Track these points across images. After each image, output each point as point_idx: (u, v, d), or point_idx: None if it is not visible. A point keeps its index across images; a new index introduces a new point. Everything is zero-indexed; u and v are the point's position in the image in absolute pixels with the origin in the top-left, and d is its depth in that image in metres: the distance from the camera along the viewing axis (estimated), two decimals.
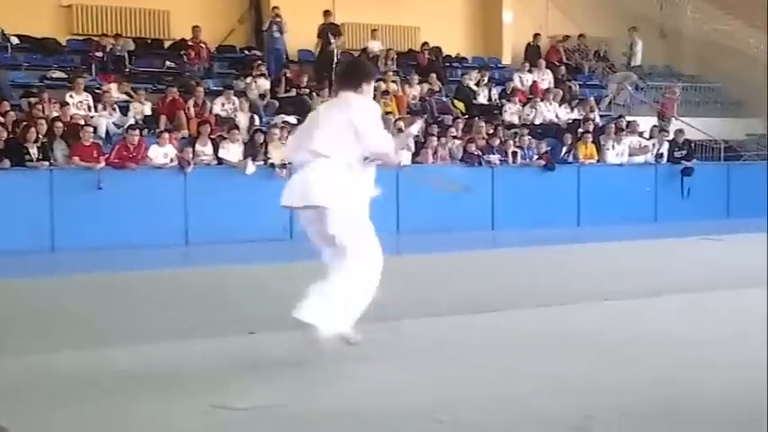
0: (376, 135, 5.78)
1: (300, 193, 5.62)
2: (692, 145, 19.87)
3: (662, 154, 19.25)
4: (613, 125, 19.33)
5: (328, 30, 19.53)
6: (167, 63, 18.92)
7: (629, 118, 20.46)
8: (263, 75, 18.34)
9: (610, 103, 21.94)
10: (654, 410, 4.60)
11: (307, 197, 5.59)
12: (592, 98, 21.11)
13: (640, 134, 19.75)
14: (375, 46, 20.89)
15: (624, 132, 19.23)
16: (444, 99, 19.80)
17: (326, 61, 18.95)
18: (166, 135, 15.20)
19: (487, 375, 5.32)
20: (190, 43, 18.83)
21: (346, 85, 5.96)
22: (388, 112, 17.93)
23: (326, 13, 19.84)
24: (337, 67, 7.19)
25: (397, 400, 4.80)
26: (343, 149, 5.66)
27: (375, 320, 7.10)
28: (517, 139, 18.10)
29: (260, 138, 15.69)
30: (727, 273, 10.14)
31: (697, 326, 6.89)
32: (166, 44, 19.65)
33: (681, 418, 4.50)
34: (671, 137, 19.57)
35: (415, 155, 16.98)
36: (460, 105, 19.77)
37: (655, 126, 20.19)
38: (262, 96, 18.04)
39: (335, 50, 19.26)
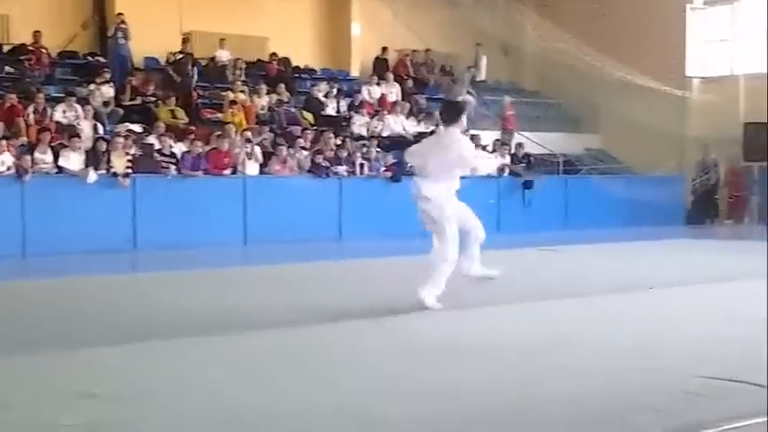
0: (475, 160, 9.20)
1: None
2: (533, 158, 20.56)
3: (504, 167, 19.82)
4: None
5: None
6: (6, 68, 18.26)
7: (472, 132, 20.96)
8: (107, 82, 17.94)
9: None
10: (496, 414, 4.75)
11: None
12: (437, 111, 21.51)
13: (483, 147, 20.27)
14: (223, 55, 20.75)
15: None
16: (293, 110, 19.83)
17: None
18: (4, 142, 14.64)
19: (324, 386, 5.37)
20: (30, 48, 18.24)
21: (449, 122, 8.57)
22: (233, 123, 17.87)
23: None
24: (443, 105, 9.49)
25: (232, 411, 4.80)
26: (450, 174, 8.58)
27: (218, 332, 7.05)
28: (365, 151, 18.30)
29: (102, 146, 15.34)
30: (560, 282, 10.51)
31: (533, 332, 7.13)
32: (5, 49, 18.97)
33: (520, 421, 4.66)
34: (512, 150, 20.18)
35: (263, 165, 16.96)
36: (309, 117, 19.85)
37: (497, 140, 20.78)
38: (105, 104, 17.64)
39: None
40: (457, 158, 8.55)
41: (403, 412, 4.73)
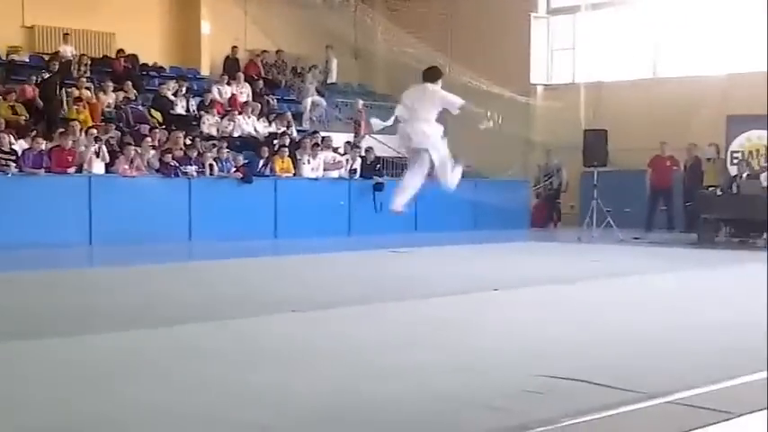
0: (456, 99, 11.05)
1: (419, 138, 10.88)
2: (383, 161, 20.77)
3: (355, 169, 19.97)
4: (309, 140, 19.82)
5: None
6: None
7: (324, 133, 21.07)
8: None
9: (310, 119, 22.46)
10: (330, 416, 4.78)
11: (422, 142, 10.95)
12: (289, 113, 21.52)
13: (335, 149, 20.38)
14: (67, 50, 20.14)
15: (320, 147, 19.77)
16: (140, 108, 19.42)
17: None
18: None
19: (163, 390, 5.28)
20: None
21: (430, 79, 11.08)
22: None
23: None
24: (427, 69, 11.58)
25: (65, 416, 4.67)
26: (433, 113, 10.90)
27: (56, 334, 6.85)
28: (215, 151, 18.10)
29: None
30: (407, 284, 10.68)
31: (377, 333, 7.22)
32: None
33: (353, 423, 4.71)
34: (363, 153, 20.35)
35: (109, 165, 16.55)
36: (157, 115, 19.48)
37: (348, 142, 20.92)
38: None
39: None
40: (445, 102, 10.99)
41: (236, 416, 4.71)
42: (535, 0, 24.71)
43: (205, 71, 23.23)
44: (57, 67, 18.74)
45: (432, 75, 11.21)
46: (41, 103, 17.96)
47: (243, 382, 5.47)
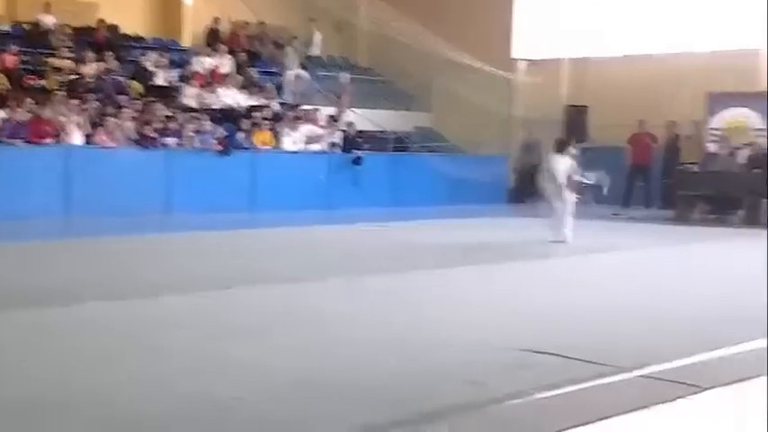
0: None
1: None
2: (364, 135, 20.76)
3: (336, 143, 19.95)
4: (291, 113, 19.76)
5: None
6: None
7: (305, 107, 21.01)
8: None
9: (292, 92, 22.38)
10: (306, 387, 4.83)
11: None
12: (271, 85, 21.43)
13: (316, 123, 20.33)
14: (48, 20, 19.94)
15: (301, 120, 19.72)
16: (121, 79, 19.29)
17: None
18: None
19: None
20: None
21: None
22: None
23: None
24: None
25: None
26: None
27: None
28: (195, 123, 18.03)
29: None
30: (382, 257, 10.73)
31: (351, 307, 7.26)
32: None
33: (340, 396, 4.76)
34: (344, 127, 20.33)
35: (89, 136, 16.47)
36: (138, 86, 19.34)
37: (330, 116, 20.88)
38: None
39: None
40: None
41: (207, 388, 4.75)
42: None
43: (186, 42, 23.06)
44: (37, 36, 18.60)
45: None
46: (23, 73, 17.82)
47: (224, 353, 5.52)
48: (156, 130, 17.15)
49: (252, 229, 14.16)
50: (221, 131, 18.31)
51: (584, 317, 6.97)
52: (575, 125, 19.14)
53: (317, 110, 20.94)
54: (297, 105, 21.07)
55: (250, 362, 5.32)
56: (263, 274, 8.89)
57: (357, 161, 19.42)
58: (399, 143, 22.50)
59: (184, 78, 20.32)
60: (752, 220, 16.49)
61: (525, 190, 22.52)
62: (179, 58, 21.51)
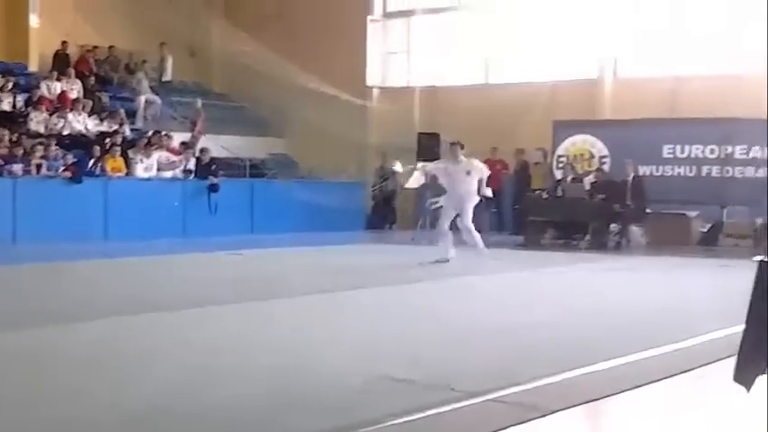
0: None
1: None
2: (219, 162, 20.57)
3: (190, 170, 19.69)
4: (143, 139, 19.42)
5: None
6: None
7: (158, 133, 20.67)
8: None
9: (144, 117, 22.01)
10: (162, 419, 4.76)
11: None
12: (122, 110, 21.01)
13: (169, 149, 20.04)
14: None
15: (154, 147, 19.39)
16: None
17: None
18: None
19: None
20: None
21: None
22: None
23: None
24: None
25: None
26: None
27: None
28: (43, 150, 17.48)
29: None
30: (241, 286, 10.65)
31: (208, 336, 7.19)
32: None
33: (190, 425, 4.71)
34: (198, 153, 20.10)
35: None
36: None
37: (183, 142, 20.62)
38: None
39: None
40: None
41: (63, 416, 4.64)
42: (371, 3, 25.01)
43: (33, 66, 22.36)
44: None
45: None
46: None
47: (74, 387, 5.38)
48: (1, 157, 16.55)
49: (103, 259, 13.80)
50: (71, 158, 17.81)
51: (435, 342, 7.09)
52: (427, 152, 19.49)
53: (170, 136, 20.64)
54: (149, 131, 20.71)
55: (98, 393, 5.20)
56: (108, 306, 8.69)
57: (213, 188, 19.20)
58: (255, 169, 22.40)
59: (31, 103, 19.71)
60: (597, 245, 17.15)
61: (382, 216, 22.82)
62: (26, 83, 20.88)
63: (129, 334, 7.30)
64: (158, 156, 19.29)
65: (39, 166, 17.16)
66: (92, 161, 18.08)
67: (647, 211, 17.67)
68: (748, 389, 3.80)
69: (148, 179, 18.76)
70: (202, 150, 20.22)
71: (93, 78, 21.95)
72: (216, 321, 7.99)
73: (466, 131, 21.37)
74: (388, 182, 22.67)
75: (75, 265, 12.79)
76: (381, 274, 12.33)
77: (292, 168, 23.78)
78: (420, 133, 20.66)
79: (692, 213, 18.19)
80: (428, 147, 19.58)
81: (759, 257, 3.82)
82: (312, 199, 20.20)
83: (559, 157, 19.85)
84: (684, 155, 18.46)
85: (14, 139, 17.46)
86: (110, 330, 7.45)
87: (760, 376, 3.78)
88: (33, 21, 22.47)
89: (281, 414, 4.89)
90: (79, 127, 19.64)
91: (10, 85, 19.69)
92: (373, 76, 25.02)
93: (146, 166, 18.88)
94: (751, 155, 17.82)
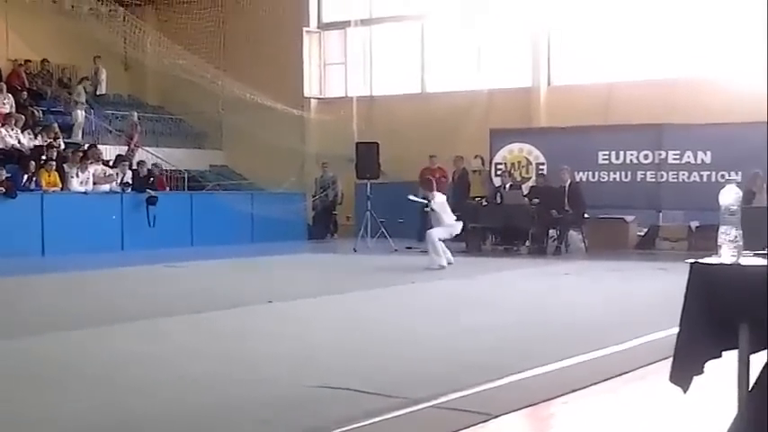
0: None
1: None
2: (157, 174, 20.38)
3: (128, 183, 19.48)
4: (78, 153, 19.16)
5: None
6: None
7: (93, 146, 20.41)
8: None
9: (81, 131, 21.73)
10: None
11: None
12: (56, 125, 20.72)
13: (105, 162, 19.80)
14: None
15: (89, 160, 19.14)
16: None
17: None
18: None
19: None
20: None
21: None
22: None
23: None
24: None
25: None
26: None
27: None
28: None
29: None
30: (183, 298, 10.56)
31: (149, 349, 7.12)
32: None
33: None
34: (135, 166, 19.90)
35: None
36: None
37: (119, 155, 20.40)
38: None
39: None
40: None
41: None
42: (307, 15, 25.01)
43: None
44: None
45: None
46: None
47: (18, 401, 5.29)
48: None
49: (38, 275, 13.57)
50: (4, 173, 17.48)
51: (376, 350, 7.10)
52: (366, 162, 19.53)
53: (105, 149, 20.40)
54: (84, 145, 20.45)
55: (29, 410, 5.12)
56: (40, 322, 8.55)
57: (152, 201, 19.01)
58: (194, 182, 22.24)
59: None
60: (537, 251, 17.33)
61: (324, 226, 22.79)
62: None
63: (63, 350, 7.19)
64: (94, 169, 19.04)
65: None
66: (26, 176, 17.79)
67: (585, 216, 17.89)
68: (685, 390, 3.83)
69: (85, 193, 18.51)
70: (139, 163, 20.02)
71: (25, 93, 21.61)
72: (153, 334, 7.89)
73: (404, 140, 21.59)
74: (328, 191, 22.66)
75: (11, 280, 12.55)
76: (323, 284, 12.30)
77: (233, 179, 23.65)
78: (359, 143, 20.72)
79: (629, 218, 18.48)
80: (367, 156, 19.64)
81: (692, 260, 3.88)
82: (253, 210, 20.12)
83: (497, 164, 20.01)
84: (619, 161, 18.70)
85: None
86: (42, 347, 7.33)
87: (696, 377, 3.82)
88: None
89: (225, 426, 4.86)
90: (12, 142, 19.32)
91: None
92: (311, 87, 25.03)
93: (81, 180, 18.62)
94: (684, 160, 18.13)
